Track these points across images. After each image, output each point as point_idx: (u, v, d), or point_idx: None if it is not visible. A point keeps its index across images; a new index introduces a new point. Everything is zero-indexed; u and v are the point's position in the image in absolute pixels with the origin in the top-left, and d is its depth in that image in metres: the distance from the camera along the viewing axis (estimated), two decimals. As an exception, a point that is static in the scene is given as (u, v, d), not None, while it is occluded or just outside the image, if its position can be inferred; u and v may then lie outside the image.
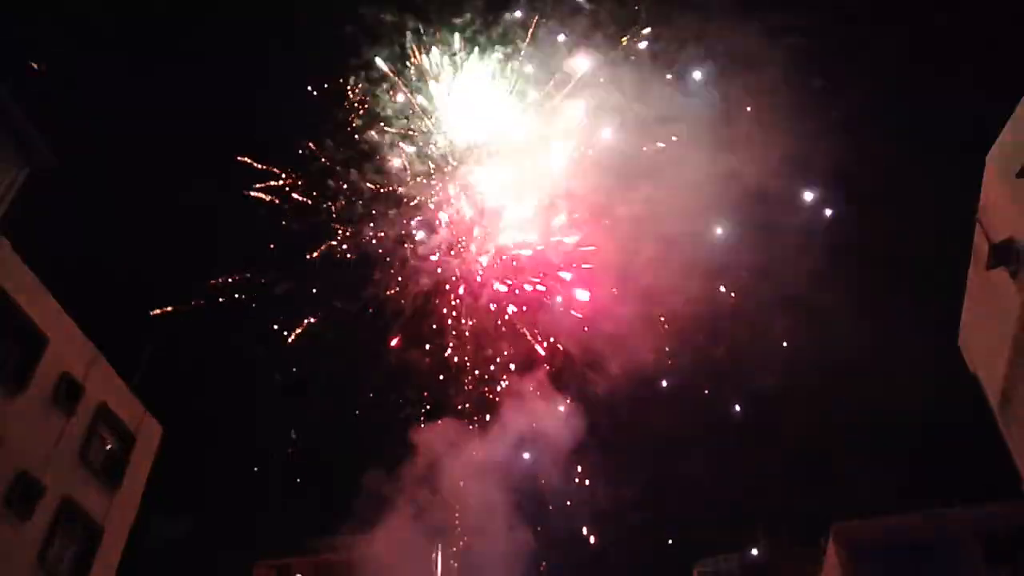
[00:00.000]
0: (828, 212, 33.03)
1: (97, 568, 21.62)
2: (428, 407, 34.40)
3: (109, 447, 22.86)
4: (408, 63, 31.76)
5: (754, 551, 44.91)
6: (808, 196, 32.14)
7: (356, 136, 32.35)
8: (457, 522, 33.50)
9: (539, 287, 33.51)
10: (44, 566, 19.81)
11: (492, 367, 34.39)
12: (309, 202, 32.98)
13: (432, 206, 33.00)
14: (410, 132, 32.07)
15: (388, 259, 33.16)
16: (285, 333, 33.24)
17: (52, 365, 20.44)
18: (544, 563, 34.01)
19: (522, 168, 32.34)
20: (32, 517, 19.32)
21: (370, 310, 33.27)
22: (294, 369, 34.43)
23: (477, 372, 34.32)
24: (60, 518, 20.37)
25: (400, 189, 32.58)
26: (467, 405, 34.28)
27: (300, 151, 32.68)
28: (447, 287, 33.64)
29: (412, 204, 32.85)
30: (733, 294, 33.61)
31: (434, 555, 35.27)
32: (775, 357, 34.71)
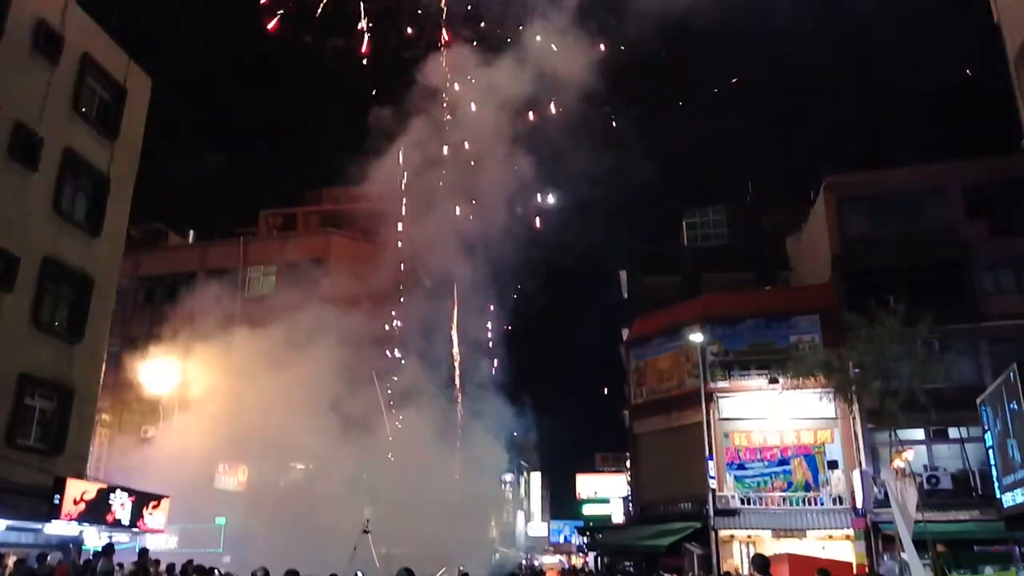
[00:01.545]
0: None
1: (110, 214, 22.27)
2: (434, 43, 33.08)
3: (100, 98, 22.36)
4: None
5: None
6: None
7: None
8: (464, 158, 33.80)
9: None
10: (60, 214, 20.40)
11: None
12: None
13: None
14: None
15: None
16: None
17: (24, 12, 19.24)
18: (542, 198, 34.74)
19: None
20: (38, 168, 19.49)
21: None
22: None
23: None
24: (65, 169, 20.55)
25: None
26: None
27: None
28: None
29: None
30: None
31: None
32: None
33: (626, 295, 45.17)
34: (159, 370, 29.76)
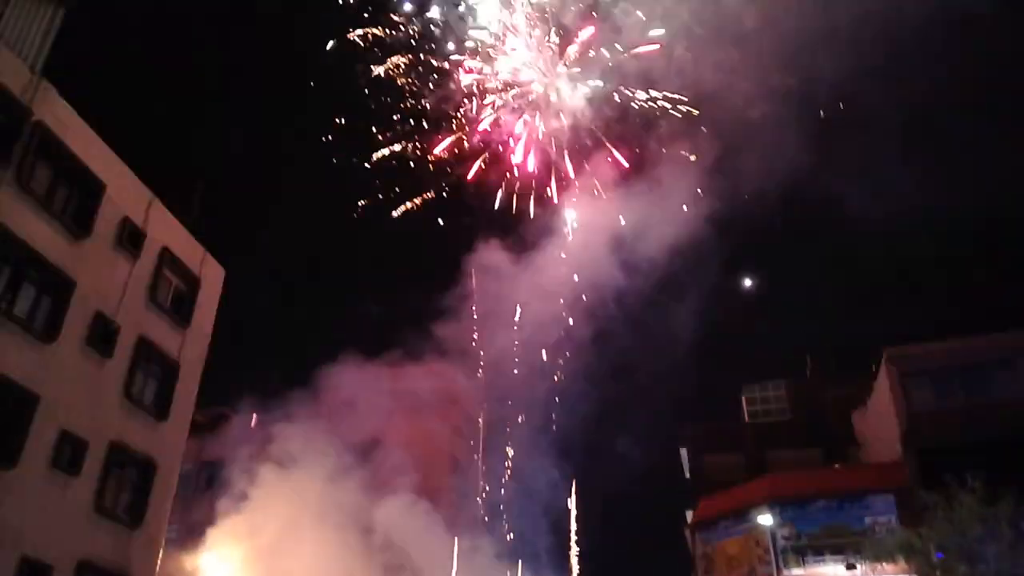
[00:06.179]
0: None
1: (178, 399, 22.89)
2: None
3: (176, 288, 23.59)
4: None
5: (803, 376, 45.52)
6: None
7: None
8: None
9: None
10: (130, 400, 21.07)
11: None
12: None
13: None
14: None
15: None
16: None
17: (112, 210, 20.75)
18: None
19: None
20: (112, 356, 20.36)
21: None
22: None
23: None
24: (138, 356, 21.45)
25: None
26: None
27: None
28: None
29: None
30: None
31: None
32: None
33: (688, 474, 43.75)
34: (218, 557, 29.40)
